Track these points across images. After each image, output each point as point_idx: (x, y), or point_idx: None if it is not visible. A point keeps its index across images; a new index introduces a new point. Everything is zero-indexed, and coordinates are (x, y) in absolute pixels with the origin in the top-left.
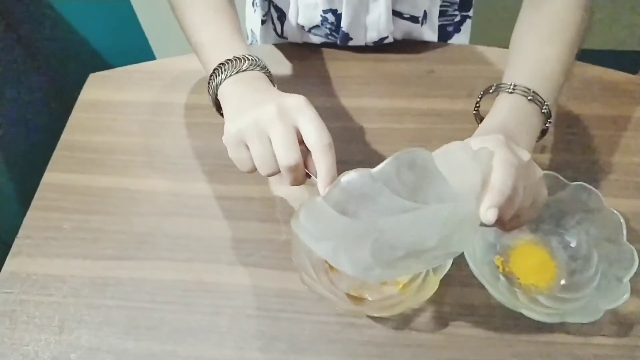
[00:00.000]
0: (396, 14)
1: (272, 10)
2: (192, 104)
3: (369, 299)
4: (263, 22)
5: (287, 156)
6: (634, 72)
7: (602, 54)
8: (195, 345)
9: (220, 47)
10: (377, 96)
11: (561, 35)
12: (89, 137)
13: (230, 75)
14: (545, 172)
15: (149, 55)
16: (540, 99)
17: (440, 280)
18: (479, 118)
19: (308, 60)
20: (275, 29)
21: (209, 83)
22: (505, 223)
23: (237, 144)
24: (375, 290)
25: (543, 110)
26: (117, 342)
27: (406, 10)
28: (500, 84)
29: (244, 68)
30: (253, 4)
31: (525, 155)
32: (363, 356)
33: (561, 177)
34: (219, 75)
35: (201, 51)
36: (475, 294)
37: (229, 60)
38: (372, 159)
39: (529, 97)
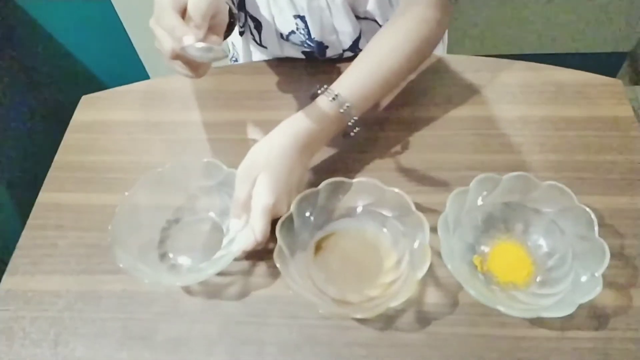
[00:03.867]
0: (360, 18)
1: (249, 20)
2: (184, 122)
3: (352, 301)
4: (241, 33)
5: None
6: (611, 74)
7: (579, 57)
8: (187, 353)
9: None
10: None
11: (402, 50)
12: (83, 157)
13: None
14: (518, 173)
15: (143, 75)
16: (351, 115)
17: (420, 281)
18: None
19: (289, 76)
20: (254, 39)
21: None
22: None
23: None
24: (357, 292)
25: (349, 122)
26: (111, 353)
27: (364, 15)
28: (328, 88)
29: None
30: None
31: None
32: (350, 357)
33: (534, 177)
34: None
35: None
36: (454, 292)
37: None
38: (354, 166)
39: (341, 110)
